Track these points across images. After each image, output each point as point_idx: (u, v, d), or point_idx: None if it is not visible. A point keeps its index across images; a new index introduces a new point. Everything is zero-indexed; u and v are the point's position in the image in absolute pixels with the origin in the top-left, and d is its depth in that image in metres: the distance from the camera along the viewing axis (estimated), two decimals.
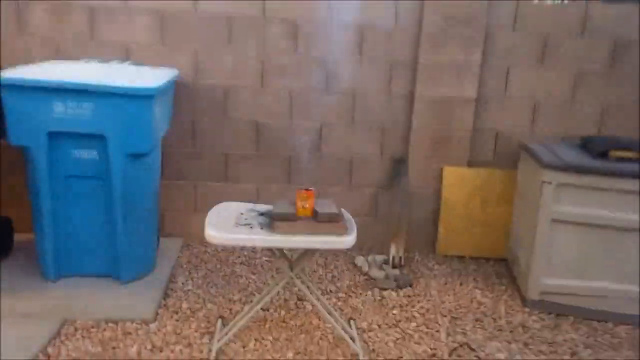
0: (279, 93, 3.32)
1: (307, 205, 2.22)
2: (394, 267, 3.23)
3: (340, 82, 3.32)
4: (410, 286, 3.05)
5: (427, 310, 2.81)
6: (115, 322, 2.51)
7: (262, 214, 2.33)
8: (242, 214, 2.33)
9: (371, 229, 3.50)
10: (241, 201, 3.38)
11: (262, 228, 2.18)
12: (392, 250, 3.27)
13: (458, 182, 3.41)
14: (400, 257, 3.27)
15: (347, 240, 2.14)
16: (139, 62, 3.18)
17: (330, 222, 2.17)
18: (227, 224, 2.20)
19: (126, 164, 2.64)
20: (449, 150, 3.39)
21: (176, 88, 3.20)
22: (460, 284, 3.12)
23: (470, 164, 3.43)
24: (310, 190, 2.22)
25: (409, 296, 2.94)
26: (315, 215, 2.20)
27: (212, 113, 3.33)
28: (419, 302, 2.88)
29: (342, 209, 2.37)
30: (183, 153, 3.37)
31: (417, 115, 3.35)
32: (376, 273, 3.13)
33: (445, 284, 3.11)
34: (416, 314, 2.76)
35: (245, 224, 2.21)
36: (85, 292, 2.70)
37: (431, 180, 3.44)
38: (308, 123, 3.36)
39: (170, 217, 3.45)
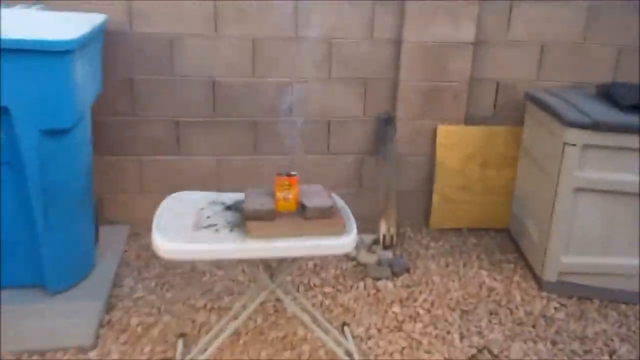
0: (238, 42, 2.67)
1: (291, 197, 1.66)
2: (384, 247, 2.74)
3: (313, 27, 2.70)
4: (408, 272, 2.58)
5: (432, 303, 2.35)
6: (42, 353, 1.93)
7: (229, 208, 1.77)
8: (202, 209, 1.75)
9: (355, 203, 2.90)
10: (198, 185, 2.79)
11: (231, 230, 1.62)
12: (382, 228, 2.78)
13: (454, 142, 2.91)
14: (392, 236, 2.78)
15: (346, 242, 1.61)
16: (53, 7, 2.46)
17: (322, 218, 1.63)
18: (184, 227, 1.62)
19: (42, 143, 2.00)
20: (443, 105, 2.86)
21: (107, 39, 2.50)
22: (464, 265, 2.67)
23: (468, 121, 2.92)
24: (294, 175, 1.66)
25: (408, 286, 2.47)
26: (302, 210, 1.66)
27: (155, 69, 2.67)
28: (421, 293, 2.42)
29: (334, 195, 1.83)
30: (122, 122, 2.71)
31: (405, 65, 2.78)
32: (366, 257, 2.64)
33: (447, 265, 2.66)
34: (420, 311, 2.30)
35: (208, 225, 1.64)
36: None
37: (423, 142, 2.92)
38: (275, 79, 2.75)
39: (112, 201, 2.82)
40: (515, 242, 2.87)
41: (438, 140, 2.90)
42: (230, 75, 2.71)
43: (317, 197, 1.69)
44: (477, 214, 3.01)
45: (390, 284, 2.47)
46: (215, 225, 1.64)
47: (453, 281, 2.53)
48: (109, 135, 2.72)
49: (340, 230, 1.62)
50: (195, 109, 2.74)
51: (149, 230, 1.59)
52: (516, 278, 2.58)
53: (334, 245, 1.59)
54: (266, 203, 1.65)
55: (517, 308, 2.35)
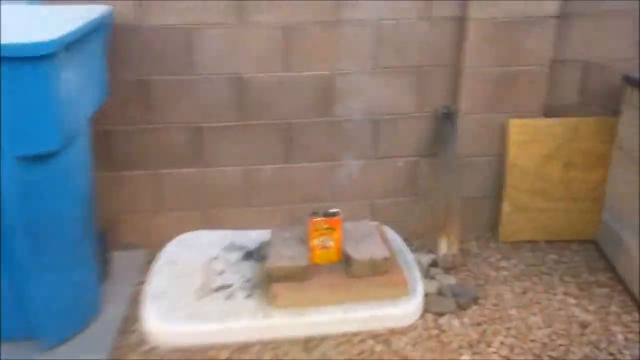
0: (267, 31, 2.24)
1: (331, 244, 1.23)
2: (446, 270, 2.29)
3: (356, 7, 2.23)
4: (476, 303, 2.12)
5: (512, 348, 1.89)
6: None
7: (249, 255, 1.35)
8: (215, 258, 1.35)
9: (409, 215, 2.51)
10: (224, 200, 2.36)
11: (249, 295, 1.21)
12: (443, 246, 2.32)
13: (530, 139, 2.39)
14: (454, 255, 2.32)
15: (410, 310, 1.17)
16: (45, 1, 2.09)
17: (375, 275, 1.20)
18: (186, 294, 1.22)
19: (20, 171, 1.63)
20: (517, 94, 2.35)
21: (113, 33, 2.12)
22: (545, 291, 2.18)
23: (548, 112, 2.39)
24: (335, 215, 1.23)
25: (478, 324, 2.00)
26: (346, 263, 1.23)
27: (171, 67, 2.26)
28: (495, 333, 1.96)
29: (388, 231, 1.38)
30: (134, 131, 2.33)
31: (471, 48, 2.27)
32: (424, 285, 2.19)
33: (524, 292, 2.18)
34: (496, 358, 1.84)
35: (219, 288, 1.24)
36: None
37: (491, 140, 2.42)
38: (312, 72, 2.30)
39: (127, 223, 2.44)
40: (606, 258, 2.36)
41: (510, 136, 2.39)
42: (259, 71, 2.28)
43: (367, 243, 1.25)
44: (557, 224, 2.50)
45: (456, 322, 2.01)
46: (229, 286, 1.23)
47: (534, 314, 2.05)
48: (121, 147, 2.34)
49: (400, 291, 1.18)
50: (219, 112, 2.33)
51: None
52: (613, 308, 2.08)
53: (392, 316, 1.16)
54: (298, 254, 1.23)
55: (620, 352, 1.86)
